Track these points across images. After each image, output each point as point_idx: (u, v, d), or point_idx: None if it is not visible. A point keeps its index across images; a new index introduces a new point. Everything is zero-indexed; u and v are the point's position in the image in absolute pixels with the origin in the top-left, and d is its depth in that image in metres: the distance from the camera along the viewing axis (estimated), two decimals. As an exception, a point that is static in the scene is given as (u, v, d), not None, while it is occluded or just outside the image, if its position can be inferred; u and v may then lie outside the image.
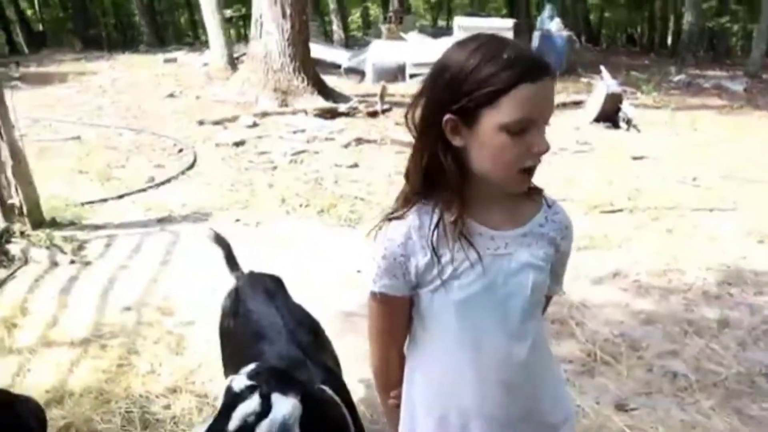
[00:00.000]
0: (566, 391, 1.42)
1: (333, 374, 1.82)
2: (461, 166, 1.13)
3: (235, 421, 1.33)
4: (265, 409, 1.31)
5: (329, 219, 4.89)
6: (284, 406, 1.32)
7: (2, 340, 3.16)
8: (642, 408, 2.66)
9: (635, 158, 6.91)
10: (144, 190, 5.48)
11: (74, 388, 2.79)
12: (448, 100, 1.08)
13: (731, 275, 3.95)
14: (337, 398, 1.62)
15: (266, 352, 1.96)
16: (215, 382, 2.83)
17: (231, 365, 2.25)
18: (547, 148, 1.10)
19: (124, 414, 2.62)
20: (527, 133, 1.08)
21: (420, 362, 1.30)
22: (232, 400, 1.36)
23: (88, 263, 3.98)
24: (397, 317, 1.29)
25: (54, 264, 3.92)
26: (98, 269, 3.92)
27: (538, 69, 1.07)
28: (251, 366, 1.45)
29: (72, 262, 3.94)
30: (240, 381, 1.39)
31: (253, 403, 1.33)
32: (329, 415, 1.52)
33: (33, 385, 2.82)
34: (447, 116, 1.09)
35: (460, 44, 1.11)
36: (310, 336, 2.01)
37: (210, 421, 1.38)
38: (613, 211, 5.13)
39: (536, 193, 1.24)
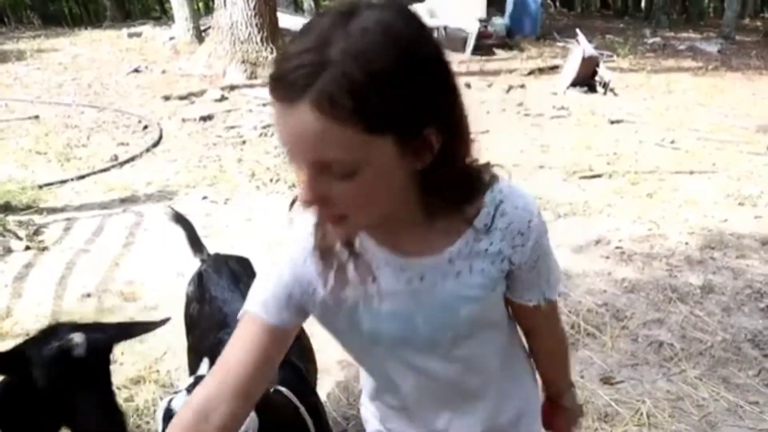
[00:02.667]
0: (536, 405, 1.20)
1: (296, 372, 1.67)
2: None
3: None
4: None
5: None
6: None
7: (-48, 335, 2.96)
8: (628, 380, 2.57)
9: (613, 122, 6.81)
10: (106, 169, 5.22)
11: (29, 383, 2.62)
12: None
13: (713, 239, 3.87)
14: (295, 400, 1.46)
15: (226, 342, 1.80)
16: (181, 370, 2.68)
17: (194, 357, 2.09)
18: (304, 200, 0.77)
19: (83, 409, 2.46)
20: None
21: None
22: None
23: (45, 249, 3.76)
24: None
25: (7, 251, 3.69)
26: (56, 254, 3.71)
27: (277, 90, 0.71)
28: (191, 380, 1.28)
29: (27, 248, 3.72)
30: (181, 400, 1.20)
31: None
32: (284, 422, 1.37)
33: (-16, 382, 2.64)
34: None
35: None
36: (275, 324, 1.86)
37: None
38: (592, 177, 5.02)
39: (473, 196, 0.88)
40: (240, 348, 0.92)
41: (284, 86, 0.70)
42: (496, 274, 0.92)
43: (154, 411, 2.48)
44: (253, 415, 1.18)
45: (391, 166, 0.75)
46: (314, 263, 0.91)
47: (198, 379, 1.27)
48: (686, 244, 3.81)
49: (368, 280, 0.91)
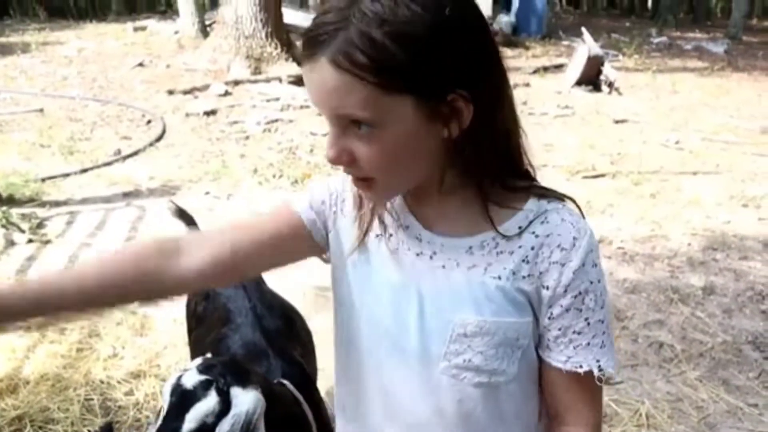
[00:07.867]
0: None
1: (297, 367, 1.67)
2: None
3: (190, 423, 1.15)
4: (225, 406, 1.15)
5: (303, 190, 4.70)
6: (247, 400, 1.16)
7: (-46, 326, 2.97)
8: (627, 381, 2.57)
9: (617, 122, 6.79)
10: (109, 163, 5.22)
11: (29, 375, 2.63)
12: None
13: (716, 240, 3.86)
14: (297, 394, 1.46)
15: (229, 337, 1.81)
16: (181, 365, 2.68)
17: (196, 351, 2.10)
18: (328, 157, 0.76)
19: (83, 401, 2.47)
20: None
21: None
22: (184, 398, 1.19)
23: (47, 242, 3.77)
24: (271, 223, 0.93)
25: (10, 243, 3.70)
26: (58, 248, 3.71)
27: (305, 47, 0.74)
28: (199, 359, 1.29)
29: (30, 241, 3.73)
30: (191, 377, 1.20)
31: (210, 402, 1.16)
32: (286, 413, 1.37)
33: (-15, 374, 2.65)
34: None
35: None
36: (278, 322, 1.86)
37: (155, 425, 1.21)
38: (595, 176, 5.01)
39: (520, 193, 0.81)
40: (257, 218, 0.95)
41: (309, 42, 0.72)
42: (520, 289, 0.79)
43: (154, 405, 2.49)
44: (259, 395, 1.18)
45: (414, 130, 0.73)
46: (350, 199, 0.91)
47: (210, 359, 1.28)
48: (688, 245, 3.81)
49: (380, 226, 0.87)
